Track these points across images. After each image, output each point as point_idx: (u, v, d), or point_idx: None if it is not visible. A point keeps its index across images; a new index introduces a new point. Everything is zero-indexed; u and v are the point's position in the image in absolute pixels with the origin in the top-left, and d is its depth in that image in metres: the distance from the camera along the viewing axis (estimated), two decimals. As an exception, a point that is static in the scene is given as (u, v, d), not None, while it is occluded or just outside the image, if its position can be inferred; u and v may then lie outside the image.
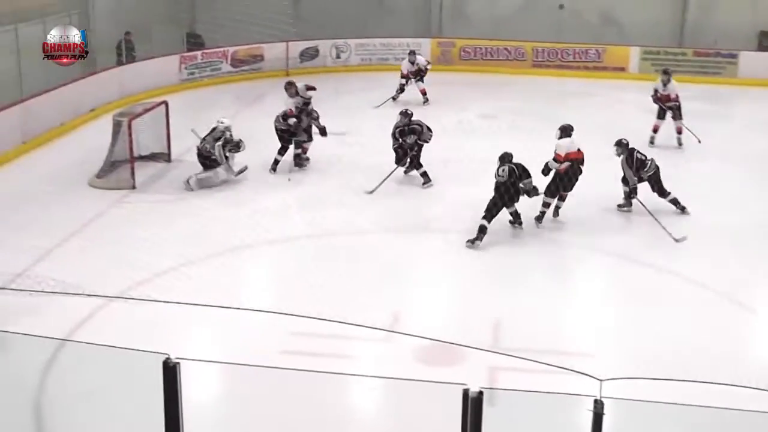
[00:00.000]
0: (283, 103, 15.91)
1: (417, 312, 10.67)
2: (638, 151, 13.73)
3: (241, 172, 15.20)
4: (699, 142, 17.45)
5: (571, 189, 13.52)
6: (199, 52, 23.37)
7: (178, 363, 5.61)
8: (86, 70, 20.10)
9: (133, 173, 14.82)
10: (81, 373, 8.20)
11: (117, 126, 15.23)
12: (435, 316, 10.60)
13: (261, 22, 23.45)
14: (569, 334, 10.06)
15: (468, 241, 12.55)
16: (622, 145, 13.69)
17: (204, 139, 14.87)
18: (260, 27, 23.54)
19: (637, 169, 13.53)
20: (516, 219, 13.08)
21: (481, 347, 8.82)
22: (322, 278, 11.13)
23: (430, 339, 9.20)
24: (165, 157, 16.14)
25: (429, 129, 15.01)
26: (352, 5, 26.38)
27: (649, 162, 13.60)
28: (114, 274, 11.04)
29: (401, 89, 20.83)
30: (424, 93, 20.88)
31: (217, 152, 14.73)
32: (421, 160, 14.96)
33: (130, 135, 14.84)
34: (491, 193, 13.02)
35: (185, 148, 16.15)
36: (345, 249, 12.29)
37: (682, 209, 13.74)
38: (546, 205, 13.46)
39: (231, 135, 14.95)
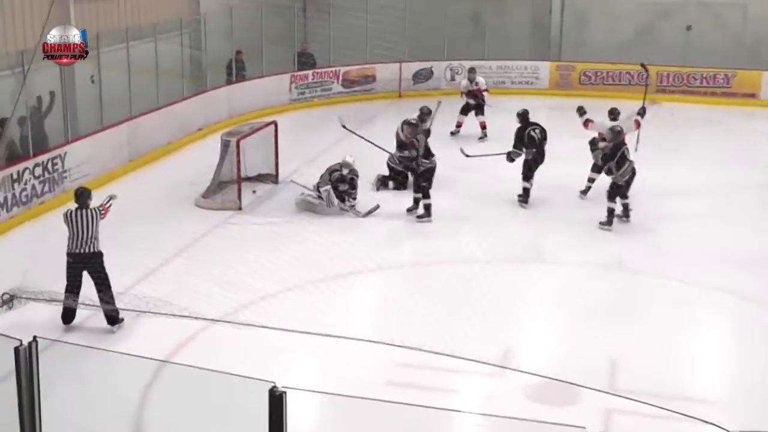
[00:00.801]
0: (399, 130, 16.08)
1: (528, 346, 10.52)
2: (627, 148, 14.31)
3: (371, 212, 15.05)
4: None
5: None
6: (309, 72, 23.72)
7: (285, 392, 5.61)
8: (196, 88, 20.62)
9: (239, 194, 15.08)
10: (183, 395, 8.32)
11: (225, 146, 15.53)
12: (547, 351, 10.41)
13: (374, 42, 23.72)
14: (690, 377, 9.76)
15: (519, 199, 15.07)
16: (615, 132, 14.24)
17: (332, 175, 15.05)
18: (373, 47, 23.82)
19: (617, 163, 14.01)
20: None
21: (597, 387, 8.67)
22: (430, 309, 11.08)
23: (543, 376, 9.08)
24: (272, 178, 16.37)
25: (428, 152, 14.78)
26: (468, 26, 26.49)
27: (628, 164, 14.06)
28: (218, 296, 11.21)
29: (458, 124, 20.28)
30: (483, 126, 20.05)
31: (325, 196, 14.86)
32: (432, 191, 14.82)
33: (237, 155, 15.10)
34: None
35: (293, 169, 16.39)
36: (454, 278, 12.21)
37: (627, 217, 14.38)
38: (591, 180, 15.66)
39: (351, 176, 15.13)
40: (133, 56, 18.07)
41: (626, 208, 14.35)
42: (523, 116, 15.20)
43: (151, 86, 18.86)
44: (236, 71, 22.18)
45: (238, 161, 15.13)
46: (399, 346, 9.65)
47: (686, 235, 13.86)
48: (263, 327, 10.03)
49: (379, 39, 23.44)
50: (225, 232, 14.06)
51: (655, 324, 10.94)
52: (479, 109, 20.17)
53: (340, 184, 14.98)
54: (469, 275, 12.35)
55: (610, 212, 14.22)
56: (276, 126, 16.50)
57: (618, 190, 14.24)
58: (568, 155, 17.52)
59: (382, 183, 16.27)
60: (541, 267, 12.84)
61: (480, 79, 20.30)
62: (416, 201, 14.89)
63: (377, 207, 15.13)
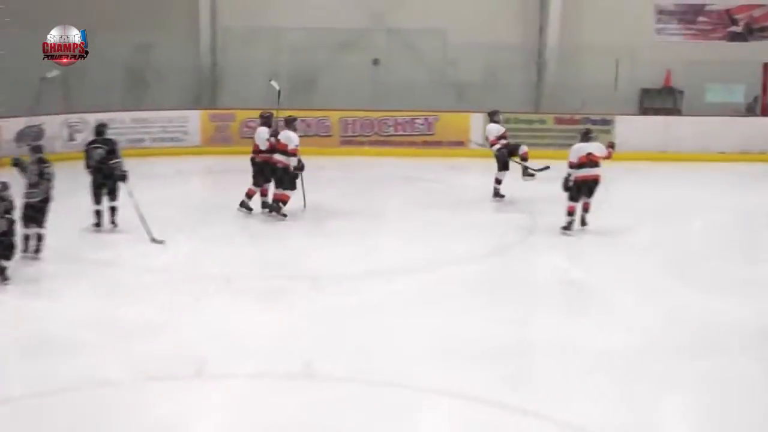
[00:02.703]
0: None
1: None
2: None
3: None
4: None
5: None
6: None
7: None
8: None
9: None
10: None
11: None
12: None
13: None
14: None
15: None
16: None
17: None
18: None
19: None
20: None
21: None
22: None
23: None
24: None
25: None
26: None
27: (45, 184, 16.20)
28: None
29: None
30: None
31: None
32: None
33: None
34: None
35: None
36: (84, 410, 11.57)
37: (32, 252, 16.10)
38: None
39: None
40: None
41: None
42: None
43: None
44: None
45: None
46: None
47: (389, 326, 13.85)
48: None
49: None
50: None
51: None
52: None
53: None
54: (104, 403, 11.91)
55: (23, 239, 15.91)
56: None
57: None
58: (229, 230, 17.68)
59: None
60: (203, 384, 12.54)
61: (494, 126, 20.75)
62: None
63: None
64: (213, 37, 26.97)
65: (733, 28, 29.51)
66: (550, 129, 25.34)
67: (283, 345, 13.34)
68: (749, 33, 29.49)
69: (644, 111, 27.71)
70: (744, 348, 13.06)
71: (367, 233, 18.34)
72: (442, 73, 26.71)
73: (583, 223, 18.28)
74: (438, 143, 25.29)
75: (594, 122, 24.94)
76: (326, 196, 20.63)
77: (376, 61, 26.38)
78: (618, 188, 20.38)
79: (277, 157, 18.49)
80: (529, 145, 21.42)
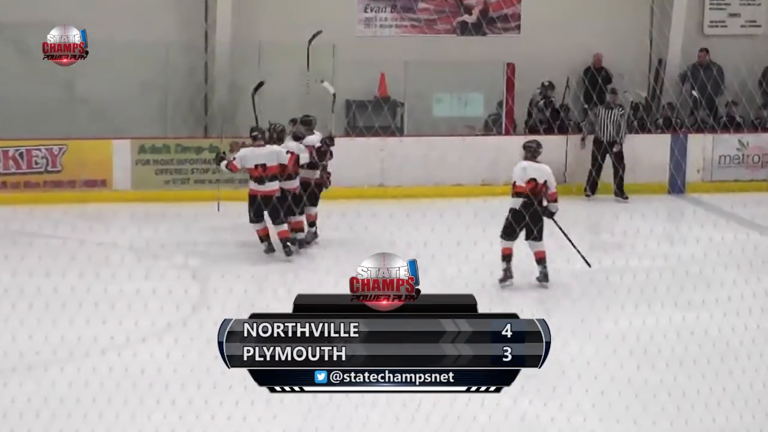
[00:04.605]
0: None
1: None
2: None
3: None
4: None
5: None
6: None
7: None
8: None
9: None
10: None
11: None
12: None
13: None
14: None
15: None
16: None
17: None
18: None
19: None
20: None
21: None
22: None
23: None
24: None
25: None
26: None
27: None
28: None
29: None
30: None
31: None
32: None
33: None
34: None
35: None
36: None
37: None
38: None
39: None
40: None
41: None
42: None
43: None
44: None
45: None
46: None
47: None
48: None
49: None
50: None
51: None
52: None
53: None
54: None
55: None
56: None
57: None
58: None
59: None
60: None
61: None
62: None
63: None
64: None
65: (465, 18, 29.62)
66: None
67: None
68: (486, 24, 29.57)
69: (348, 131, 27.13)
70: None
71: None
72: (71, 84, 25.48)
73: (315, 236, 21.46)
74: (66, 183, 24.28)
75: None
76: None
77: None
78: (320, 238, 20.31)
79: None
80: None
